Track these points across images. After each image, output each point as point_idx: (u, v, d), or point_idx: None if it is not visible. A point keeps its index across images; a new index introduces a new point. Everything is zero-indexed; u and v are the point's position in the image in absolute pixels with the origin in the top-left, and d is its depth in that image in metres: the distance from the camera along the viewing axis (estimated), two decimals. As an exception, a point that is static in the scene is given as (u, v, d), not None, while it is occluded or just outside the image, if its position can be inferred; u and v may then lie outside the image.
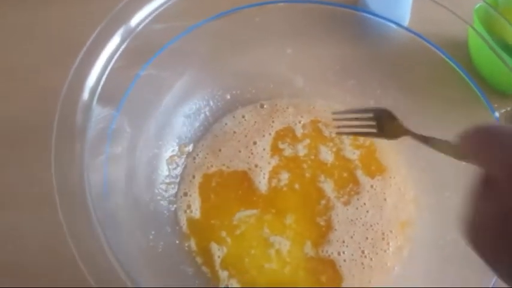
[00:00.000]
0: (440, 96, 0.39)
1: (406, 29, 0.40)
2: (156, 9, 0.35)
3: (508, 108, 0.36)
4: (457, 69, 0.38)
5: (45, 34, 0.46)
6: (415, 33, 0.39)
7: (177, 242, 0.37)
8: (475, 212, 0.21)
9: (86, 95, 0.32)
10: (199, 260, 0.37)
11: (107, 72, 0.33)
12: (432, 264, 0.38)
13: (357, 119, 0.35)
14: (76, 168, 0.30)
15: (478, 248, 0.21)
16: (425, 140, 0.30)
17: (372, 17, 0.40)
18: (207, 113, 0.42)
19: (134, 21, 0.34)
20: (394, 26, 0.40)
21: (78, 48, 0.32)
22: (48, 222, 0.29)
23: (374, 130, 0.34)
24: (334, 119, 0.36)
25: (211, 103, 0.42)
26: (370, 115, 0.34)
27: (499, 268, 0.20)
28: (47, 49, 0.44)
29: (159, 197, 0.39)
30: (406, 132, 0.32)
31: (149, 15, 0.34)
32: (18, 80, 0.44)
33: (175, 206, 0.39)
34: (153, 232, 0.36)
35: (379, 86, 0.42)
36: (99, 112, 0.32)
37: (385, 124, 0.33)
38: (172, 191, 0.40)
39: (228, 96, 0.42)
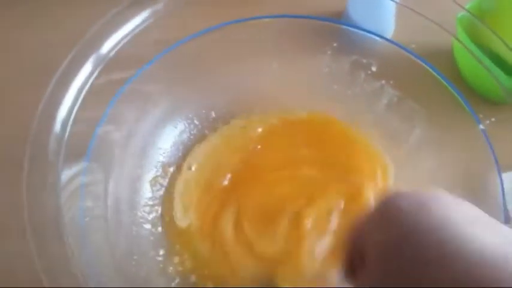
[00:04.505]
0: (425, 107, 0.39)
1: (389, 40, 0.40)
2: (133, 30, 0.35)
3: (493, 119, 0.35)
4: (442, 80, 0.37)
5: (16, 58, 0.45)
6: (397, 45, 0.39)
7: (161, 266, 0.35)
8: None
9: (60, 118, 0.31)
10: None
11: (83, 94, 0.32)
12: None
13: None
14: (51, 193, 0.29)
15: None
16: None
17: (356, 30, 0.40)
18: (192, 131, 0.41)
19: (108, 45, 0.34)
20: (377, 38, 0.40)
21: (51, 73, 0.31)
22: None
23: None
24: None
25: (195, 122, 0.41)
26: None
27: None
28: (19, 73, 0.43)
29: (142, 220, 0.37)
30: None
31: (124, 37, 0.34)
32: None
33: (159, 228, 0.37)
34: (135, 257, 0.35)
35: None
36: (76, 132, 0.31)
37: None
38: (156, 213, 0.38)
39: (213, 114, 0.41)
